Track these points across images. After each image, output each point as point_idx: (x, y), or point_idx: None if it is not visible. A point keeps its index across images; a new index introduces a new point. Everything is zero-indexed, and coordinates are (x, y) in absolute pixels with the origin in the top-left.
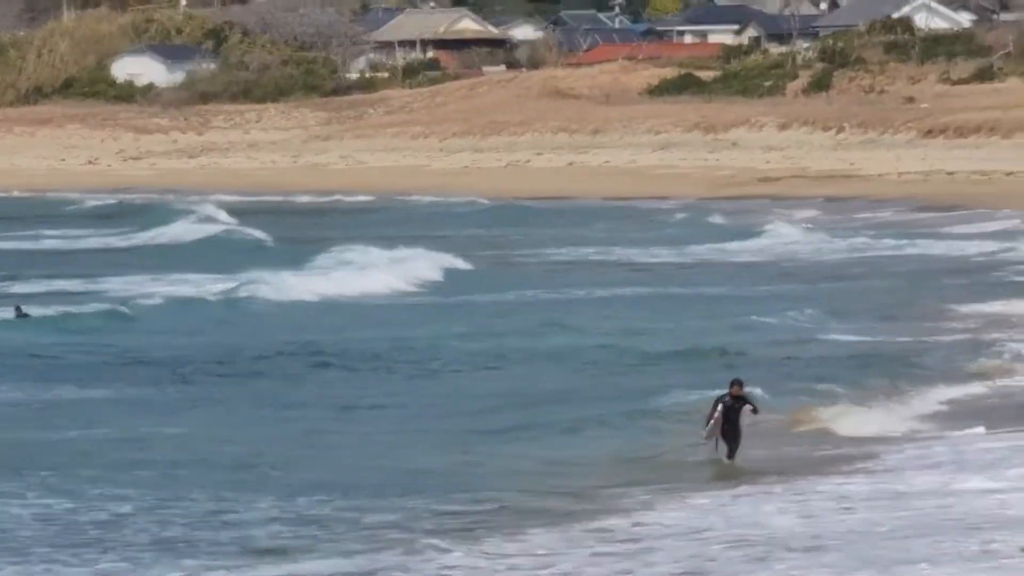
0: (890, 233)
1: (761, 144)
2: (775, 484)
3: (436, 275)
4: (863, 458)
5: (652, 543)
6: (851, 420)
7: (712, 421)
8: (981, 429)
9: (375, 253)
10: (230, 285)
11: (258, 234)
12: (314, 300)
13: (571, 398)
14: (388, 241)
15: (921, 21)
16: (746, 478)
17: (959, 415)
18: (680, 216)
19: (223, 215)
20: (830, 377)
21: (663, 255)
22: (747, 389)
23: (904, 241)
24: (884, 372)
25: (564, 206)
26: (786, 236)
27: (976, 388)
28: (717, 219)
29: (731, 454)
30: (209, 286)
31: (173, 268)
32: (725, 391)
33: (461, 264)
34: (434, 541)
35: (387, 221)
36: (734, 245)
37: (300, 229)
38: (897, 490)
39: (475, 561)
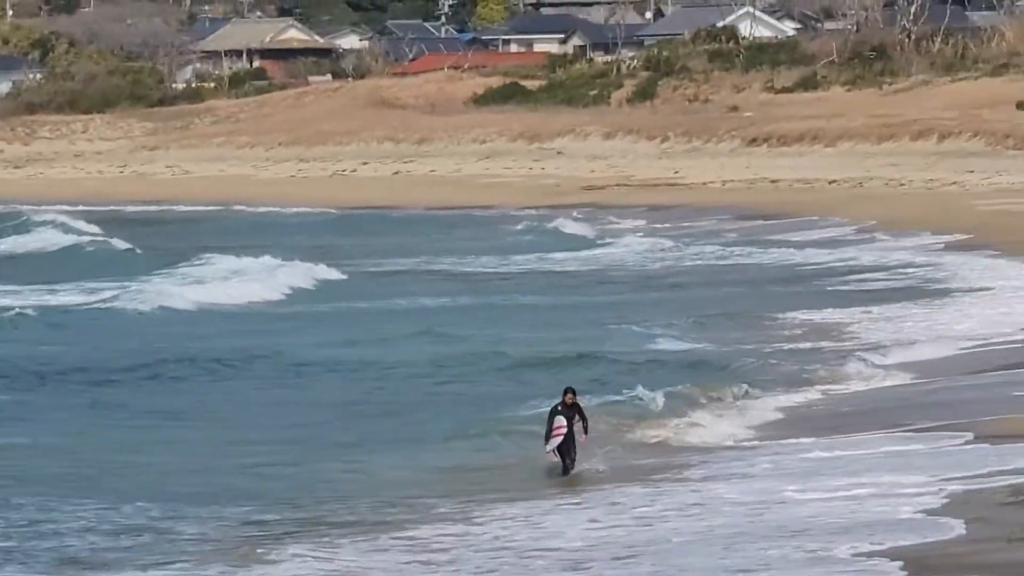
0: (717, 241)
1: (586, 153)
2: (595, 493)
3: (307, 284)
4: (686, 467)
5: (459, 553)
6: (678, 429)
7: (555, 433)
8: (808, 438)
9: (244, 262)
10: (106, 294)
11: (122, 243)
12: (189, 309)
13: (416, 408)
14: (237, 251)
15: (745, 30)
16: (567, 488)
17: (786, 423)
18: (511, 225)
19: (83, 224)
20: (659, 385)
21: (489, 265)
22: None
23: (731, 249)
24: (712, 380)
25: (409, 215)
26: (614, 245)
27: (803, 396)
28: (545, 227)
29: (571, 465)
30: (80, 296)
31: (41, 278)
32: (558, 400)
33: (333, 274)
34: (244, 551)
35: (228, 230)
36: (562, 255)
37: (156, 238)
38: (721, 498)
39: (265, 570)
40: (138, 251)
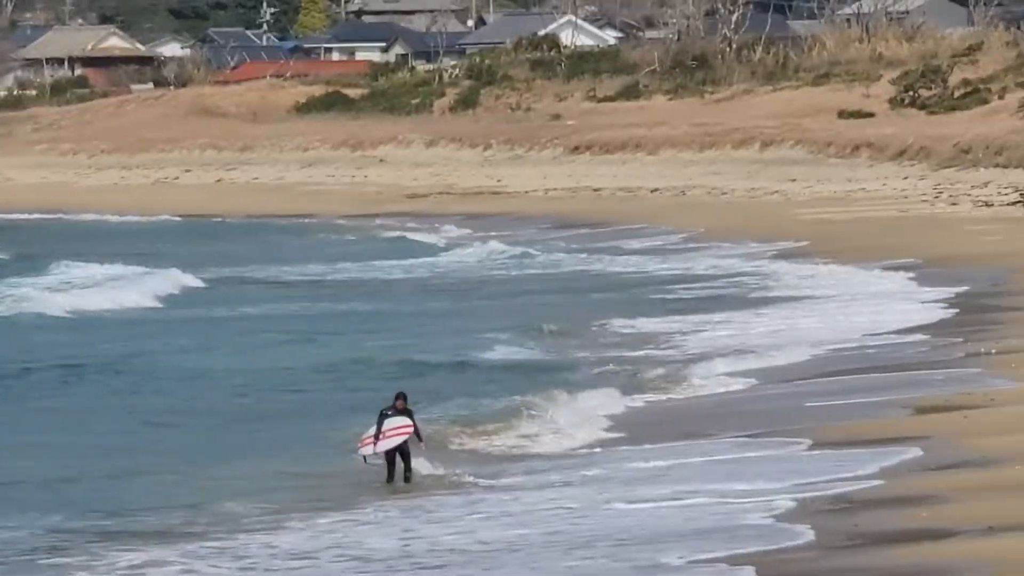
0: (541, 249)
1: (409, 161)
2: (415, 501)
3: (175, 290)
4: (511, 475)
5: (259, 561)
6: (506, 437)
7: (392, 434)
8: (640, 445)
9: (108, 269)
10: None
11: None
12: (62, 315)
13: (259, 415)
14: (81, 258)
15: (567, 38)
16: (388, 497)
17: (618, 431)
18: (325, 235)
19: None
20: (490, 393)
21: (314, 272)
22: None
23: (557, 256)
24: (542, 388)
25: (247, 223)
26: (440, 253)
27: (636, 403)
28: (369, 236)
29: (392, 474)
30: None
31: None
32: (389, 404)
33: (196, 281)
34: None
35: (65, 238)
36: (388, 263)
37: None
38: (544, 507)
39: None
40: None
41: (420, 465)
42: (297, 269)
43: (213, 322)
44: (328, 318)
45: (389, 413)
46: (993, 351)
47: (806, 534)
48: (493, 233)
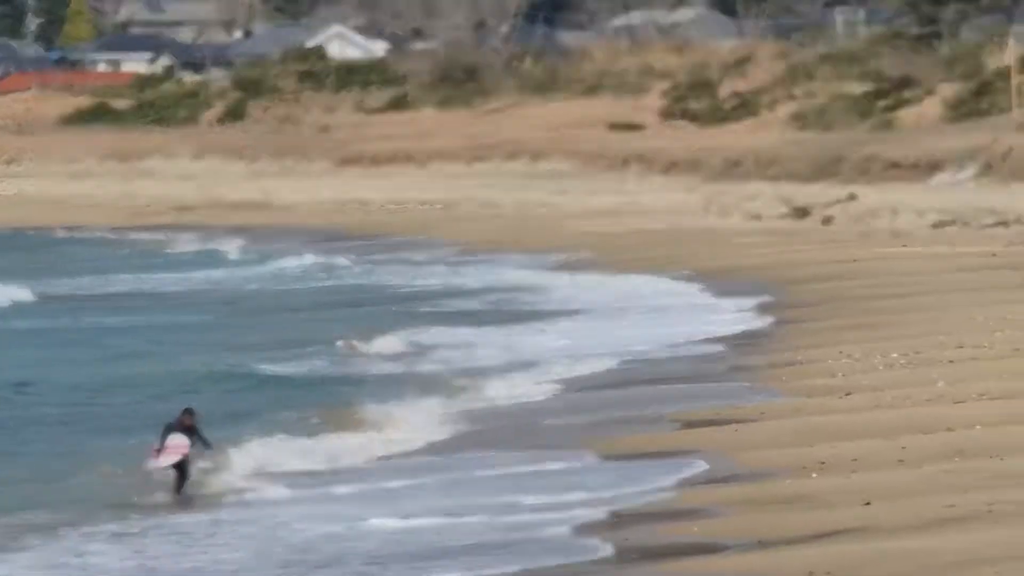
0: (311, 263)
1: (177, 173)
2: (159, 520)
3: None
4: (266, 492)
5: None
6: (283, 451)
7: (170, 451)
8: (419, 458)
9: None
10: None
11: None
12: None
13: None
14: None
15: (335, 50)
16: (126, 514)
17: (397, 444)
18: (94, 248)
19: None
20: (263, 408)
21: (83, 286)
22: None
23: (336, 270)
24: (323, 402)
25: (43, 237)
26: (203, 267)
27: (415, 417)
28: (134, 249)
29: (179, 487)
30: None
31: None
32: (175, 419)
33: (25, 294)
34: None
35: None
36: (155, 276)
37: None
38: (295, 524)
39: None
40: None
41: (198, 479)
42: (67, 282)
43: None
44: (110, 332)
45: (174, 427)
46: (764, 364)
47: (600, 548)
48: (263, 246)
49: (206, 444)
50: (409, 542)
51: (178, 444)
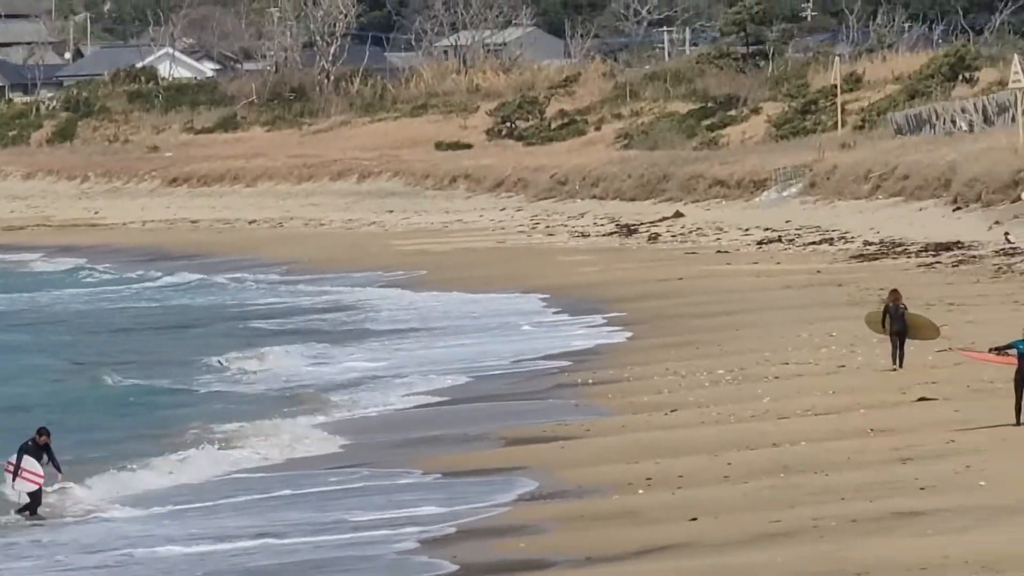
0: (134, 282)
1: (6, 193)
2: None
3: None
4: (98, 513)
5: None
6: (101, 475)
7: (27, 477)
8: (229, 481)
9: None
10: None
11: None
12: None
13: None
14: None
15: (165, 70)
16: None
17: (232, 463)
18: None
19: None
20: (99, 431)
21: None
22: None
23: (165, 289)
24: (146, 425)
25: None
26: (36, 286)
27: (230, 454)
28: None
29: (30, 509)
30: None
31: None
32: (30, 438)
33: None
34: None
35: None
36: None
37: None
38: (90, 546)
39: None
40: None
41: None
42: None
43: None
44: None
45: (29, 445)
46: (590, 381)
47: (403, 566)
48: (94, 266)
49: (56, 465)
50: (231, 563)
51: (33, 472)
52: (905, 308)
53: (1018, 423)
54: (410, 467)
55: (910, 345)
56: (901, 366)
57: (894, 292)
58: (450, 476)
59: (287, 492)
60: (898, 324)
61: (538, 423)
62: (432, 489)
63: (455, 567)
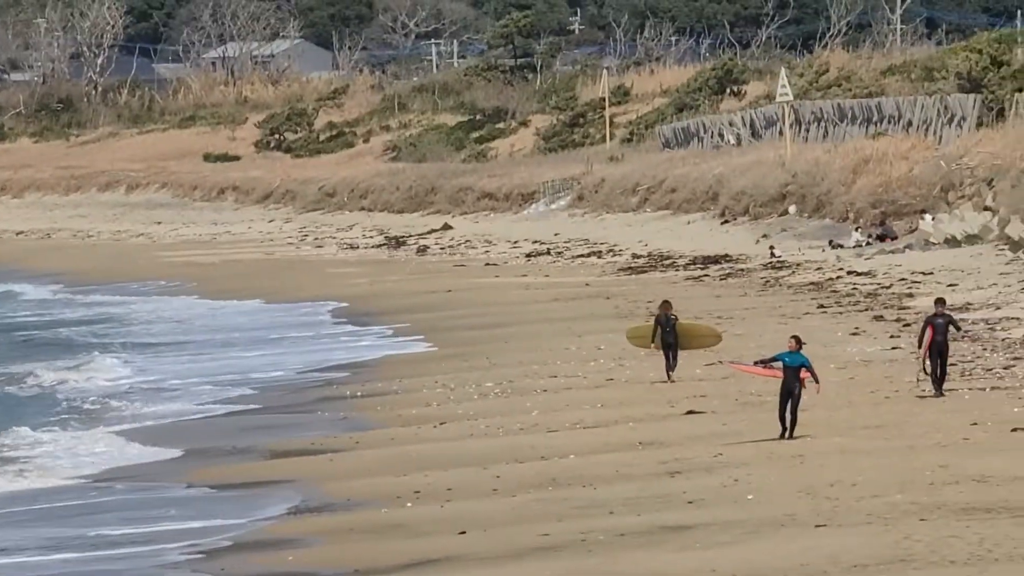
0: None
1: None
2: None
3: None
4: None
5: None
6: None
7: None
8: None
9: None
10: None
11: None
12: None
13: None
14: None
15: None
16: None
17: None
18: None
19: None
20: None
21: None
22: None
23: None
24: None
25: None
26: None
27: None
28: None
29: None
30: None
31: None
32: None
33: None
34: None
35: None
36: None
37: None
38: None
39: None
40: None
41: None
42: None
43: None
44: None
45: None
46: (359, 394)
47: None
48: None
49: None
50: None
51: None
52: (676, 319)
53: (782, 436)
54: (177, 480)
55: (680, 357)
56: (671, 378)
57: (665, 303)
58: (218, 489)
59: (43, 506)
60: (669, 336)
61: (307, 436)
62: (199, 502)
63: None
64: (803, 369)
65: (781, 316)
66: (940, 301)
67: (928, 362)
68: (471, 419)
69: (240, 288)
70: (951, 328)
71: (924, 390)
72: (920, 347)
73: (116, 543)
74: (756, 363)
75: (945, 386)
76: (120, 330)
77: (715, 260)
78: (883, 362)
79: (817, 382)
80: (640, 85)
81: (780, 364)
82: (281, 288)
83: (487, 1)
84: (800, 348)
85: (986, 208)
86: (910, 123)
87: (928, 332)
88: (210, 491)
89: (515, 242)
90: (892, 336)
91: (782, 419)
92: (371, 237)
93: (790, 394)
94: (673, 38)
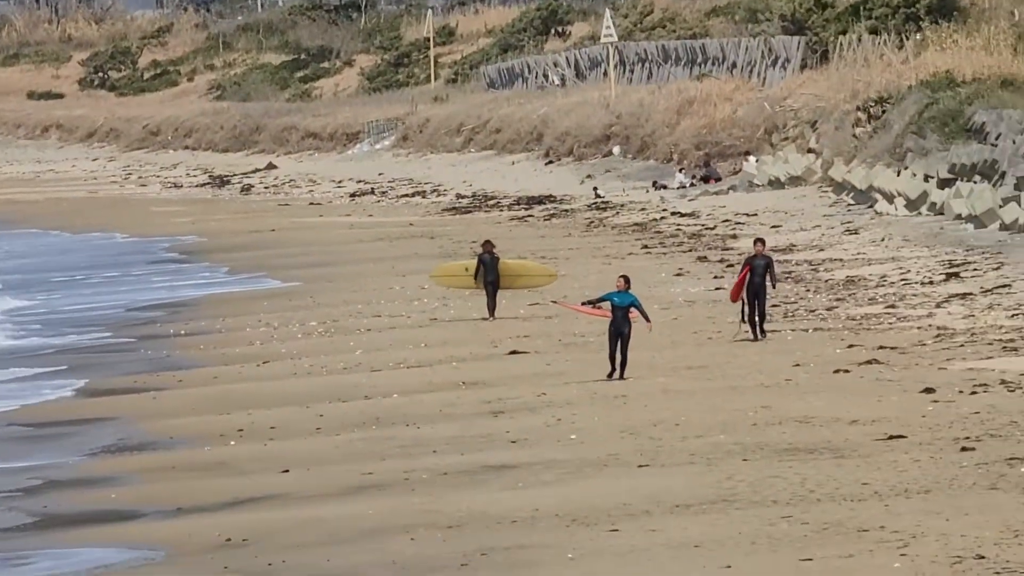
0: None
1: None
2: None
3: None
4: None
5: None
6: None
7: None
8: None
9: None
10: None
11: None
12: None
13: None
14: None
15: None
16: None
17: None
18: None
19: None
20: None
21: None
22: None
23: None
24: None
25: None
26: None
27: None
28: None
29: None
30: None
31: None
32: None
33: None
34: None
35: None
36: None
37: None
38: None
39: None
40: None
41: None
42: None
43: None
44: None
45: None
46: (183, 332)
47: None
48: None
49: None
50: None
51: None
52: (498, 258)
53: (611, 375)
54: None
55: (502, 297)
56: (494, 316)
57: (487, 242)
58: (36, 427)
59: None
60: (491, 274)
61: (130, 374)
62: (18, 441)
63: (44, 517)
64: (632, 308)
65: (605, 257)
66: (759, 241)
67: (745, 304)
68: (295, 358)
69: (63, 226)
70: (768, 278)
71: (744, 331)
72: (736, 287)
73: None
74: (584, 303)
75: (768, 327)
76: None
77: (539, 200)
78: (707, 303)
79: (648, 320)
80: (465, 25)
81: (608, 304)
82: (104, 226)
83: None
84: (628, 287)
85: (810, 150)
86: (734, 65)
87: (744, 273)
88: (29, 429)
89: (339, 182)
90: (716, 277)
91: (612, 359)
92: (195, 176)
93: (620, 334)
94: None
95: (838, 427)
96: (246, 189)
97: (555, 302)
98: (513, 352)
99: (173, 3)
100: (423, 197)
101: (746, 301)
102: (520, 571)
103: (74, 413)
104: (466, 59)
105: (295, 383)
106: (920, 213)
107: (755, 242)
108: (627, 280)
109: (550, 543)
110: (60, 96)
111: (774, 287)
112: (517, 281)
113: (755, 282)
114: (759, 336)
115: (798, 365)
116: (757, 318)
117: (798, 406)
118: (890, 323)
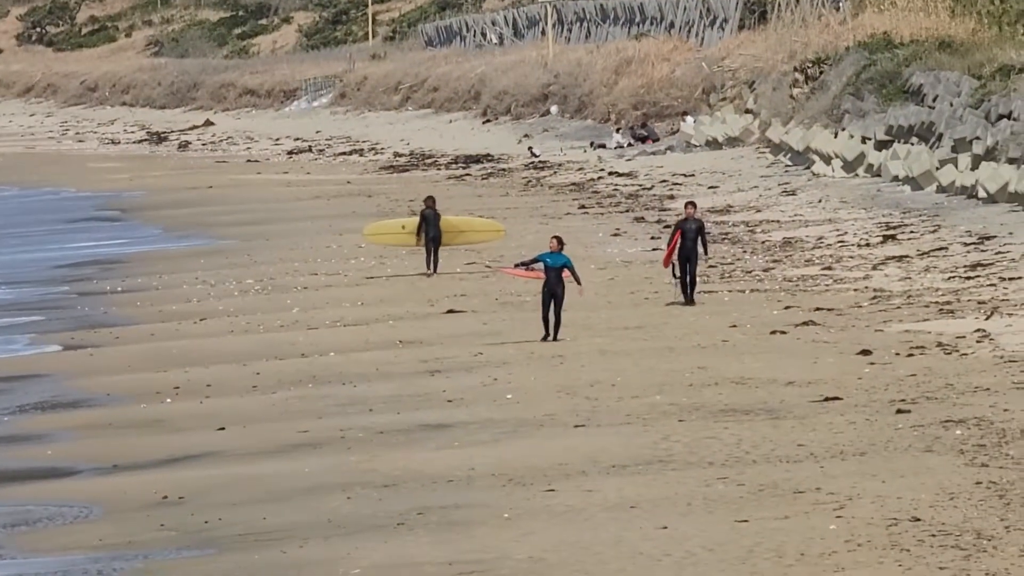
0: None
1: None
2: None
3: None
4: None
5: None
6: None
7: None
8: None
9: None
10: None
11: None
12: None
13: None
14: None
15: None
16: None
17: None
18: None
19: None
20: None
21: None
22: None
23: None
24: None
25: None
26: None
27: None
28: None
29: None
30: None
31: None
32: None
33: None
34: None
35: None
36: None
37: None
38: None
39: None
40: None
41: None
42: None
43: None
44: None
45: None
46: (120, 289)
47: None
48: None
49: None
50: None
51: None
52: (439, 215)
53: (545, 338)
54: None
55: (440, 256)
56: (436, 271)
57: (429, 198)
58: None
59: None
60: (433, 230)
61: (66, 330)
62: None
63: None
64: (565, 269)
65: (543, 216)
66: (691, 204)
67: (677, 268)
68: (231, 316)
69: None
70: (700, 243)
71: (675, 296)
72: (668, 252)
73: None
74: (517, 265)
75: (705, 287)
76: None
77: (477, 159)
78: (643, 263)
79: (579, 283)
80: None
81: (542, 265)
82: (40, 182)
83: None
84: (562, 248)
85: (747, 111)
86: (672, 24)
87: (676, 238)
88: None
89: (277, 139)
90: (653, 237)
91: (545, 321)
92: (133, 132)
93: (553, 295)
94: None
95: (774, 388)
96: (183, 146)
97: (489, 266)
98: (450, 311)
99: None
100: (360, 155)
101: (677, 265)
102: (456, 530)
103: (10, 369)
104: (404, 17)
105: (232, 341)
106: (857, 175)
107: (686, 205)
108: (560, 241)
109: (486, 502)
110: None
111: (707, 254)
112: (459, 237)
113: (687, 247)
114: (690, 301)
115: (735, 326)
116: (688, 283)
117: (734, 367)
118: (827, 285)
